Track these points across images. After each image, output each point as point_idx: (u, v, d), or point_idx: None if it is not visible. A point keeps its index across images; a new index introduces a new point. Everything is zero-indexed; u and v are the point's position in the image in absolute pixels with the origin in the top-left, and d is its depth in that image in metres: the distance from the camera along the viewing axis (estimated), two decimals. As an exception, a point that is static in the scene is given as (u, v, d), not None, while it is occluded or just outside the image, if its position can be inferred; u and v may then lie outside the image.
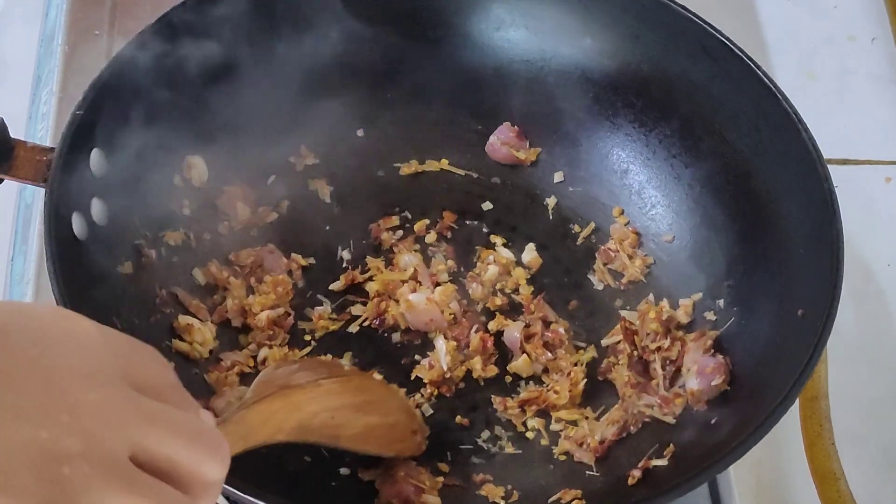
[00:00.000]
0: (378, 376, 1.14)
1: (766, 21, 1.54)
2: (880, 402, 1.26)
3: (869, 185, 1.41)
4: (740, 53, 1.18)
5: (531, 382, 1.17)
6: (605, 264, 1.24)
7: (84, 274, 1.06)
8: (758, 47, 1.50)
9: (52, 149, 1.08)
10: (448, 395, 1.16)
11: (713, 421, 1.09)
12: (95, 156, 1.11)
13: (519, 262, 1.24)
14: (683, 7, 1.21)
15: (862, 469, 1.21)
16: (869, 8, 1.57)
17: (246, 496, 0.95)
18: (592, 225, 1.27)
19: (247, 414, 0.98)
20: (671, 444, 1.09)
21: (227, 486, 0.93)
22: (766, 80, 1.16)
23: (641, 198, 1.26)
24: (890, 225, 1.38)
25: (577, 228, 1.27)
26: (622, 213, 1.26)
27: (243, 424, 0.97)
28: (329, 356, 1.17)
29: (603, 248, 1.25)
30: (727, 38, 1.19)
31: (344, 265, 1.24)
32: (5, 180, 1.09)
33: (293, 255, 1.23)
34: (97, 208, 1.11)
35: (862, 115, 1.48)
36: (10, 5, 1.50)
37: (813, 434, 1.23)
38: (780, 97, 1.15)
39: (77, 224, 1.07)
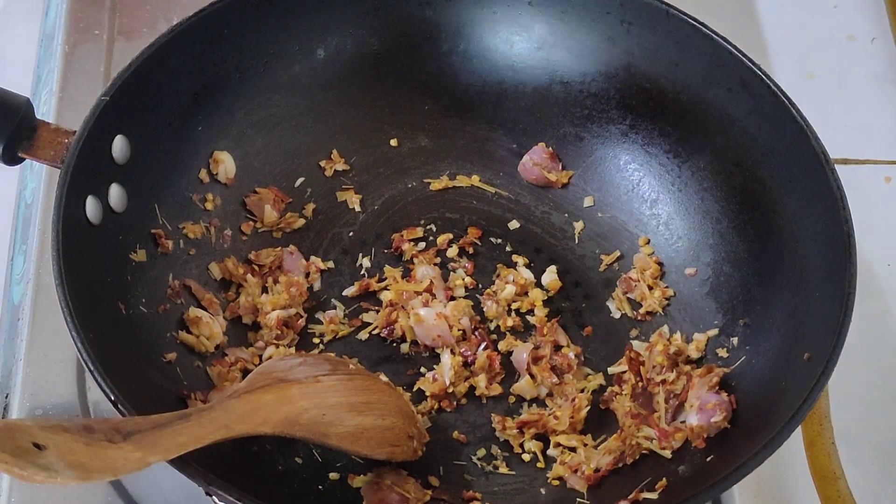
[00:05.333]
0: (384, 378, 1.14)
1: (766, 21, 1.52)
2: (880, 402, 1.24)
3: (869, 185, 1.39)
4: (777, 90, 1.16)
5: (534, 405, 1.16)
6: (624, 293, 1.23)
7: (91, 257, 1.07)
8: (758, 47, 1.48)
9: (75, 132, 1.10)
10: (449, 409, 1.16)
11: (709, 459, 1.07)
12: (119, 142, 1.12)
13: (538, 284, 1.23)
14: (725, 39, 1.19)
15: (861, 468, 1.19)
16: (869, 8, 1.55)
17: (229, 497, 0.94)
18: (618, 253, 1.25)
19: (234, 403, 0.98)
20: (664, 479, 1.07)
21: (210, 486, 0.94)
22: (799, 119, 1.14)
23: (668, 229, 1.24)
24: (890, 225, 1.36)
25: (601, 255, 1.25)
26: (648, 242, 1.24)
27: (229, 412, 0.97)
28: (335, 359, 1.17)
29: (625, 276, 1.23)
30: (766, 75, 1.17)
31: (363, 272, 1.24)
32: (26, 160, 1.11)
33: (313, 257, 1.23)
34: (116, 194, 1.12)
35: (862, 115, 1.46)
36: (10, 5, 1.52)
37: (813, 433, 1.21)
38: (811, 137, 1.13)
39: (91, 208, 1.09)
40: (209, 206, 1.22)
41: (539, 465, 1.13)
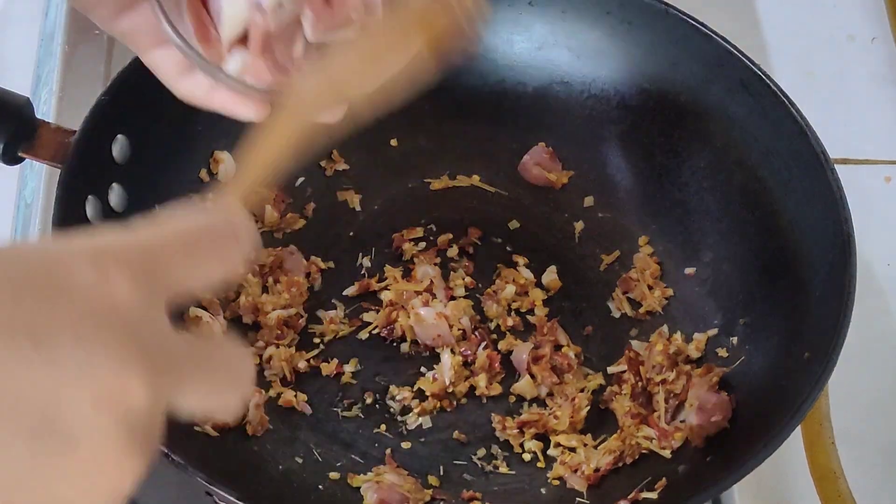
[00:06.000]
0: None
1: (766, 21, 1.51)
2: (880, 402, 1.23)
3: (869, 184, 1.39)
4: (777, 90, 1.16)
5: (534, 404, 1.16)
6: (624, 293, 1.23)
7: (91, 257, 1.07)
8: (758, 47, 1.47)
9: (75, 132, 1.10)
10: (449, 409, 1.16)
11: (708, 459, 1.08)
12: (119, 142, 1.13)
13: (538, 284, 1.23)
14: (725, 39, 1.20)
15: (861, 468, 1.18)
16: (869, 8, 1.54)
17: (229, 497, 0.95)
18: (617, 252, 1.25)
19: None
20: (664, 478, 1.07)
21: (210, 486, 0.94)
22: (799, 119, 1.14)
23: (668, 228, 1.24)
24: (890, 225, 1.35)
25: (601, 254, 1.25)
26: (648, 242, 1.25)
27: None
28: (335, 361, 1.17)
29: (624, 275, 1.23)
30: (766, 74, 1.18)
31: (363, 272, 1.24)
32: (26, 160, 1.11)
33: (313, 257, 1.23)
34: (116, 194, 1.13)
35: (862, 115, 1.45)
36: (10, 5, 1.51)
37: (812, 433, 1.20)
38: (811, 137, 1.13)
39: (91, 208, 1.09)
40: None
41: (539, 464, 1.13)
